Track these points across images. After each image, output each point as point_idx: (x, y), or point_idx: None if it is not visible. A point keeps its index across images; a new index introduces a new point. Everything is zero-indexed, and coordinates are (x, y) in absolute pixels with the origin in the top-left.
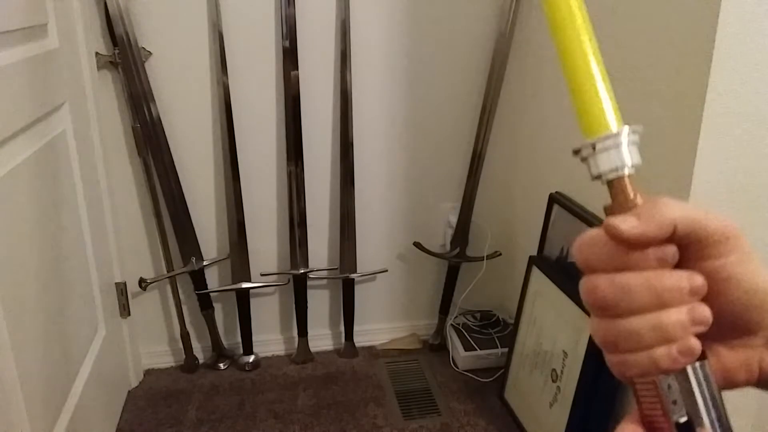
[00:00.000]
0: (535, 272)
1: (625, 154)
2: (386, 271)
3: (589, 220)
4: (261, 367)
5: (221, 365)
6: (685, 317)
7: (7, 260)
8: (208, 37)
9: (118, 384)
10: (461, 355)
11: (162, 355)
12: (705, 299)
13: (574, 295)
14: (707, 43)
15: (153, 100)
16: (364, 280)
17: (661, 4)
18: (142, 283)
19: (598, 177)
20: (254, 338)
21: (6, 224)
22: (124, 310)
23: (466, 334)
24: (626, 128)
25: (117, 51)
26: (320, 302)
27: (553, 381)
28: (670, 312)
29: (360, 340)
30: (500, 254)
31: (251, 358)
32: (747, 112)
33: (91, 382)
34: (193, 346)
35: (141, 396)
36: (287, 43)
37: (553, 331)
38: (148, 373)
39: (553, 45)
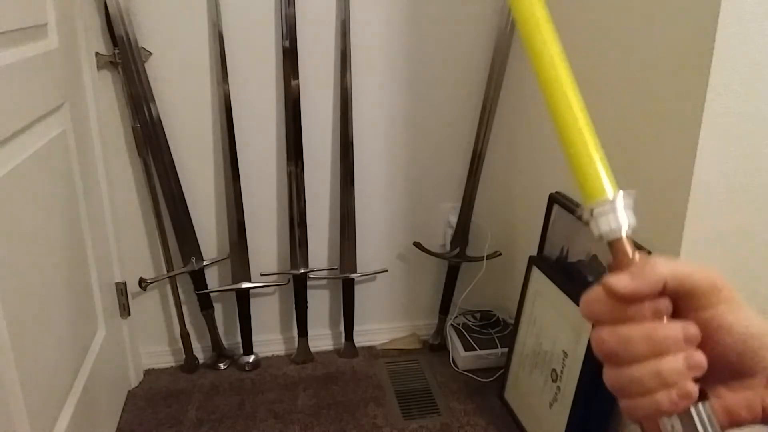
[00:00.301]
0: (535, 272)
1: (621, 217)
2: (386, 271)
3: None
4: (261, 367)
5: (221, 365)
6: (682, 364)
7: (7, 260)
8: (208, 37)
9: (118, 384)
10: (461, 355)
11: (162, 355)
12: (701, 346)
13: (574, 295)
14: (707, 43)
15: (153, 100)
16: (364, 280)
17: (661, 4)
18: (142, 283)
19: (600, 238)
20: (254, 338)
21: (6, 224)
22: (124, 310)
23: (466, 334)
24: (620, 194)
25: (117, 51)
26: (320, 302)
27: (553, 381)
28: (668, 359)
29: (360, 340)
30: (500, 254)
31: (251, 358)
32: (747, 112)
33: (91, 382)
34: (193, 346)
35: (141, 396)
36: (287, 43)
37: (553, 331)
38: (148, 373)
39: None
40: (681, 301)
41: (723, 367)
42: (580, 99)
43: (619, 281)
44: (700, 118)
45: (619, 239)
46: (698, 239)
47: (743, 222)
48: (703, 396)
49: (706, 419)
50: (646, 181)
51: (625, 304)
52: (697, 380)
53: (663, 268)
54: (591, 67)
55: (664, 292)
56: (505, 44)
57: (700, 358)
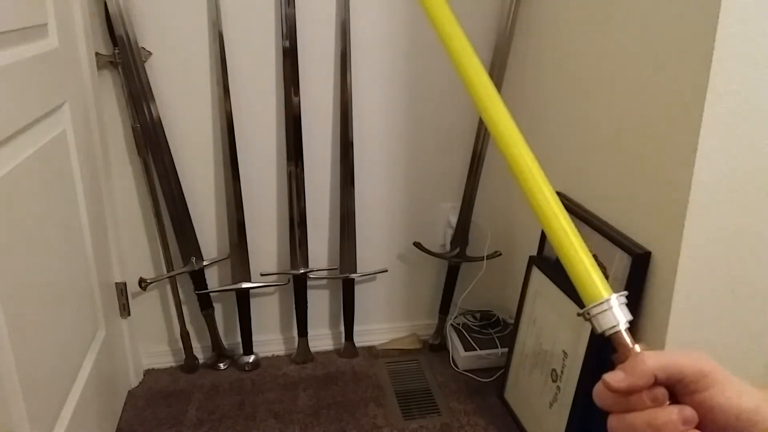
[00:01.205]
0: (535, 272)
1: (617, 314)
2: (386, 271)
3: (589, 219)
4: (261, 367)
5: (221, 365)
6: None
7: (7, 260)
8: (208, 37)
9: (118, 384)
10: (461, 355)
11: (162, 355)
12: (701, 425)
13: (574, 295)
14: (707, 43)
15: (153, 100)
16: (364, 280)
17: (661, 4)
18: (142, 283)
19: (602, 334)
20: (254, 338)
21: (6, 224)
22: (124, 310)
23: (466, 334)
24: (614, 295)
25: (117, 51)
26: (320, 302)
27: (553, 381)
28: None
29: (360, 340)
30: (500, 254)
31: (251, 358)
32: (747, 112)
33: (91, 382)
34: (193, 346)
35: (141, 396)
36: (287, 43)
37: (553, 331)
38: (148, 373)
39: (554, 53)
40: (676, 387)
41: None
42: (566, 214)
43: (615, 378)
44: (700, 118)
45: (618, 333)
46: (698, 239)
47: (743, 222)
48: None
49: None
50: (646, 181)
51: (625, 396)
52: None
53: (652, 362)
54: (591, 67)
55: (657, 381)
56: (505, 44)
57: None
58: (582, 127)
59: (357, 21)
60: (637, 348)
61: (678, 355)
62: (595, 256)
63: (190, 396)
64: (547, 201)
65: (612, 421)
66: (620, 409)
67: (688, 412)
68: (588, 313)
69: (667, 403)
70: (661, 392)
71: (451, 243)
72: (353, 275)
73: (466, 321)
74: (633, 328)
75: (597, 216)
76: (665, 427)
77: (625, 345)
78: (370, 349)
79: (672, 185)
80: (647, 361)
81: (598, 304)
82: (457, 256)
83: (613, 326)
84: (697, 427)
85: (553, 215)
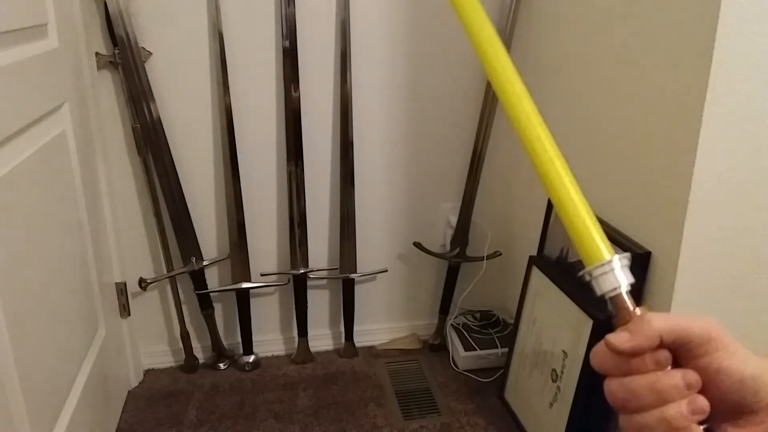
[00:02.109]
0: (535, 272)
1: (619, 276)
2: (386, 271)
3: None
4: (261, 367)
5: (221, 365)
6: (685, 409)
7: (7, 260)
8: (208, 37)
9: (118, 384)
10: (461, 355)
11: (162, 355)
12: (704, 390)
13: (574, 295)
14: (707, 43)
15: (153, 100)
16: (364, 280)
17: (662, 4)
18: (142, 283)
19: (602, 296)
20: (254, 338)
21: (6, 224)
22: (124, 310)
23: (466, 334)
24: (616, 257)
25: (117, 51)
26: (320, 302)
27: (553, 381)
28: (673, 406)
29: (360, 340)
30: (500, 254)
31: (251, 358)
32: (747, 112)
33: (91, 382)
34: (193, 346)
35: (141, 396)
36: (287, 43)
37: (553, 331)
38: (148, 373)
39: (554, 53)
40: (680, 351)
41: (726, 407)
42: (569, 171)
43: (619, 339)
44: (700, 119)
45: (619, 296)
46: (698, 239)
47: (743, 222)
48: None
49: None
50: (646, 181)
51: (628, 358)
52: (704, 421)
53: (659, 323)
54: (591, 67)
55: (662, 344)
56: (505, 44)
57: (703, 402)
58: (582, 127)
59: (357, 21)
60: (638, 311)
61: (684, 317)
62: None
63: (190, 396)
64: (545, 151)
65: (611, 385)
66: (620, 372)
67: (692, 376)
68: (589, 275)
69: (670, 366)
70: (665, 355)
71: (451, 243)
72: (353, 275)
73: (466, 321)
74: None
75: (597, 216)
76: (668, 391)
77: (626, 308)
78: (370, 349)
79: (672, 185)
80: (654, 322)
81: (600, 266)
82: (457, 256)
83: (614, 288)
84: (700, 392)
85: (553, 168)
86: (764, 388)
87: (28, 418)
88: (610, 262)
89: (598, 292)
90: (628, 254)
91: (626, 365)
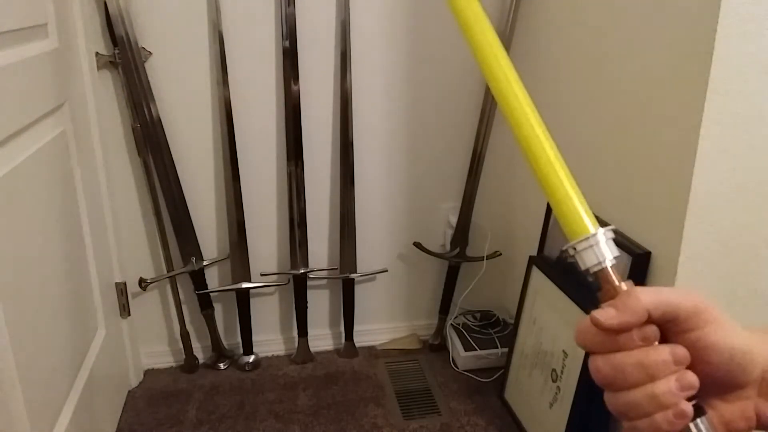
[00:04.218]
0: (535, 272)
1: (604, 250)
2: (386, 271)
3: None
4: (261, 367)
5: (221, 365)
6: (674, 385)
7: (7, 260)
8: (208, 37)
9: (118, 384)
10: (461, 355)
11: (162, 355)
12: (692, 365)
13: (574, 295)
14: (707, 43)
15: (153, 100)
16: (364, 280)
17: (662, 4)
18: (142, 283)
19: (587, 270)
20: (254, 338)
21: (6, 224)
22: (124, 310)
23: (466, 334)
24: (601, 230)
25: (117, 51)
26: (320, 302)
27: (553, 381)
28: (661, 383)
29: (360, 340)
30: (500, 254)
31: (251, 358)
32: (747, 112)
33: (91, 382)
34: (193, 346)
35: (141, 396)
36: (287, 43)
37: (553, 331)
38: (148, 373)
39: (553, 53)
40: (668, 326)
41: (716, 382)
42: (552, 142)
43: (605, 315)
44: (700, 119)
45: (604, 270)
46: (698, 239)
47: (743, 222)
48: (700, 410)
49: None
50: (646, 181)
51: (614, 334)
52: (693, 397)
53: (646, 298)
54: (590, 67)
55: (650, 319)
56: (505, 44)
57: (691, 378)
58: (581, 127)
59: (357, 21)
60: (624, 286)
61: (672, 291)
62: None
63: (190, 396)
64: (526, 118)
65: (597, 362)
66: (606, 349)
67: (681, 351)
68: (573, 249)
69: (658, 342)
70: (653, 330)
71: (451, 243)
72: (353, 275)
73: (466, 321)
74: None
75: (597, 216)
76: (656, 367)
77: (612, 282)
78: (370, 349)
79: (672, 185)
80: (641, 297)
81: (584, 240)
82: (457, 256)
83: (599, 262)
84: (688, 368)
85: (535, 137)
86: (753, 363)
87: (28, 418)
88: (594, 235)
89: (582, 267)
90: (612, 226)
91: (612, 342)
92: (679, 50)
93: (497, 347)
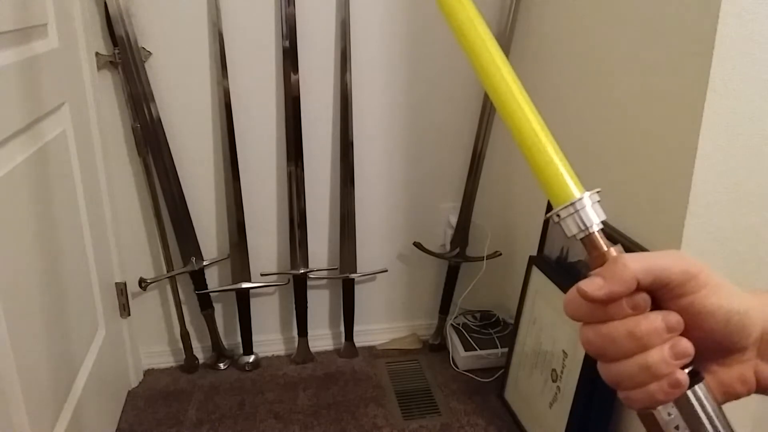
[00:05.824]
0: (535, 272)
1: (590, 214)
2: (386, 271)
3: None
4: (261, 367)
5: (221, 365)
6: (667, 354)
7: (7, 260)
8: (208, 37)
9: (118, 384)
10: (461, 355)
11: (162, 355)
12: (687, 331)
13: None
14: (707, 43)
15: (153, 100)
16: (364, 280)
17: (661, 4)
18: (142, 283)
19: (573, 238)
20: (254, 338)
21: (6, 225)
22: (124, 310)
23: (466, 334)
24: (587, 194)
25: (117, 51)
26: (320, 302)
27: (553, 381)
28: (654, 352)
29: (360, 340)
30: (500, 254)
31: (251, 358)
32: (747, 112)
33: (91, 382)
34: (193, 346)
35: (141, 396)
36: (287, 43)
37: (553, 331)
38: (148, 373)
39: (553, 53)
40: (659, 292)
41: (713, 347)
42: (533, 107)
43: (592, 285)
44: (700, 119)
45: (590, 236)
46: (698, 239)
47: (743, 222)
48: (697, 376)
49: (703, 399)
50: (646, 181)
51: (603, 304)
52: (688, 363)
53: (634, 265)
54: (590, 67)
55: (639, 287)
56: (505, 44)
57: (685, 345)
58: (581, 127)
59: (357, 20)
60: (613, 251)
61: (661, 256)
62: None
63: (190, 396)
64: (503, 78)
65: (586, 333)
66: (596, 319)
67: (673, 318)
68: (557, 216)
69: (649, 309)
70: (643, 298)
71: (451, 243)
72: (353, 275)
73: (466, 321)
74: None
75: None
76: (648, 336)
77: (600, 248)
78: (370, 349)
79: (672, 185)
80: (629, 264)
81: (569, 205)
82: (457, 256)
83: (585, 228)
84: (682, 334)
85: (512, 97)
86: (751, 324)
87: (28, 418)
88: (580, 200)
89: (568, 234)
90: (598, 189)
91: (602, 312)
92: (679, 50)
93: (497, 347)
